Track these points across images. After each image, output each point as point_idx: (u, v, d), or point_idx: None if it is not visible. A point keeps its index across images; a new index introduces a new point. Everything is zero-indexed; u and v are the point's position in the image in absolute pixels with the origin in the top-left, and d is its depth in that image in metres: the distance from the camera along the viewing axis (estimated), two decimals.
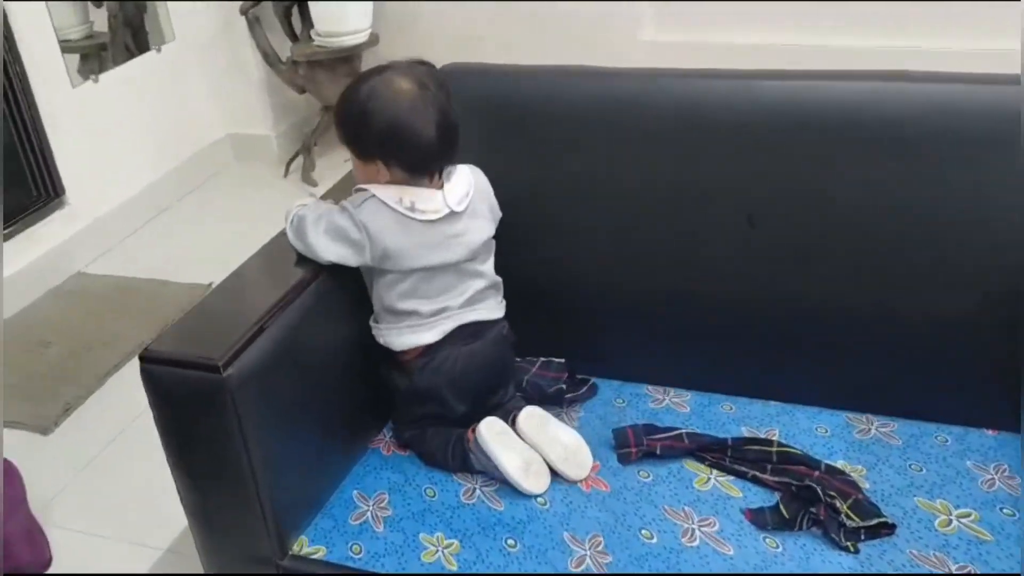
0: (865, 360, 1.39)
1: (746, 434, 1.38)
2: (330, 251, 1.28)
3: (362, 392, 1.39)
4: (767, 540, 1.18)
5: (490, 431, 1.27)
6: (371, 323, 1.36)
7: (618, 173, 1.44)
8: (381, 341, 1.34)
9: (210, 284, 2.46)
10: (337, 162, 3.17)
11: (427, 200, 1.28)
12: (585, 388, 1.48)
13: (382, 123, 1.26)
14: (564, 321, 1.52)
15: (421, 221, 1.27)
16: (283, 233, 1.38)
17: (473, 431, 1.28)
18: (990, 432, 1.36)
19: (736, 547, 1.17)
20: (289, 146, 3.26)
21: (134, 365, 1.18)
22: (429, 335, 1.32)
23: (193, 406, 1.12)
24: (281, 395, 1.17)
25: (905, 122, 1.29)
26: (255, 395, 1.11)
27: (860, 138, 1.31)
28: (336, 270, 1.30)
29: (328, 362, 1.30)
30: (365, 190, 1.30)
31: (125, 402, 2.10)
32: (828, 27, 2.66)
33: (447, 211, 1.29)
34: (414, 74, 1.28)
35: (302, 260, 1.32)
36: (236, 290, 1.30)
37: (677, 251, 1.44)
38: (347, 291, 1.34)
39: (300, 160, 3.13)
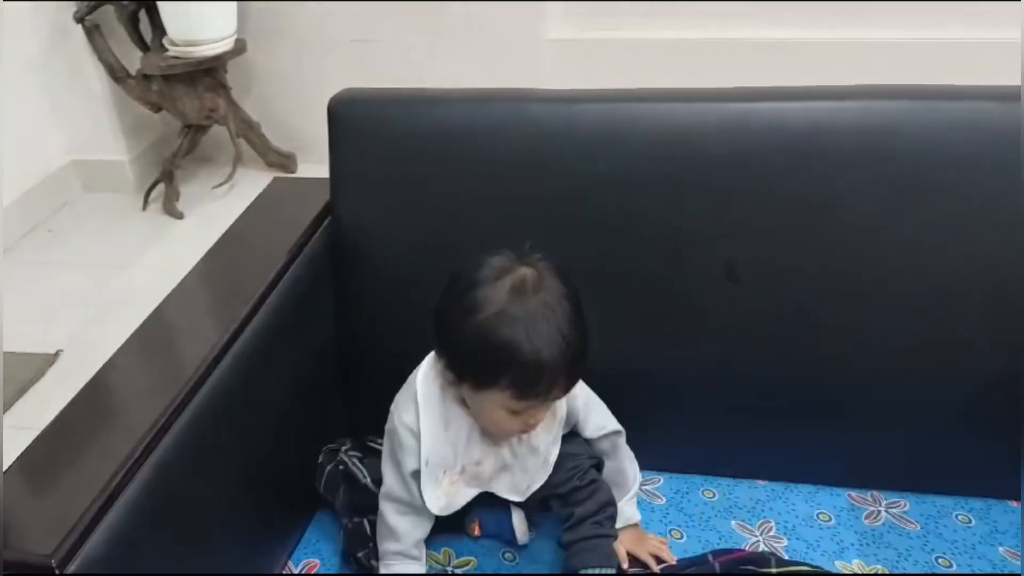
0: (867, 429, 1.16)
1: (736, 529, 1.14)
2: None
3: (259, 525, 1.07)
4: None
5: None
6: None
7: (550, 217, 1.16)
8: None
9: (58, 353, 2.06)
10: (203, 190, 2.78)
11: None
12: None
13: None
14: None
15: None
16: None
17: None
18: (1014, 504, 1.16)
19: None
20: (147, 173, 2.84)
21: None
22: None
23: None
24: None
25: (917, 151, 1.07)
26: None
27: (864, 171, 1.08)
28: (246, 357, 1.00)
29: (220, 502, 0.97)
30: None
31: None
32: (748, 18, 2.46)
33: None
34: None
35: (193, 345, 0.99)
36: (94, 412, 0.93)
37: (633, 313, 1.18)
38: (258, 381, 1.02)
39: (161, 188, 2.73)
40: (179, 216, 2.66)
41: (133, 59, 2.65)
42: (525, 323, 0.87)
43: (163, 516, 0.84)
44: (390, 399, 1.28)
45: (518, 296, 0.89)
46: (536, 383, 0.88)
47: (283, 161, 2.86)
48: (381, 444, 1.08)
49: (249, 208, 1.31)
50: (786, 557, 1.09)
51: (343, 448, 1.20)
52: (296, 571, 1.11)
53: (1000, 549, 1.10)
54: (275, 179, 1.41)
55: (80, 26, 2.56)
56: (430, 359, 1.02)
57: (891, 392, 1.14)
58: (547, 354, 0.87)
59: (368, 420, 1.30)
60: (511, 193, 1.17)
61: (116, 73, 2.63)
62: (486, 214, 1.18)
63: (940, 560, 1.08)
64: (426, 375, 1.01)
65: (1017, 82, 1.08)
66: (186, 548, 0.90)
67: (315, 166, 2.68)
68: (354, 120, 1.21)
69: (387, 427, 1.04)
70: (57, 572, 0.72)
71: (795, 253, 1.10)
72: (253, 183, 1.37)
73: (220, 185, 2.71)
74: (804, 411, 1.16)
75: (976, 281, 1.09)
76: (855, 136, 1.08)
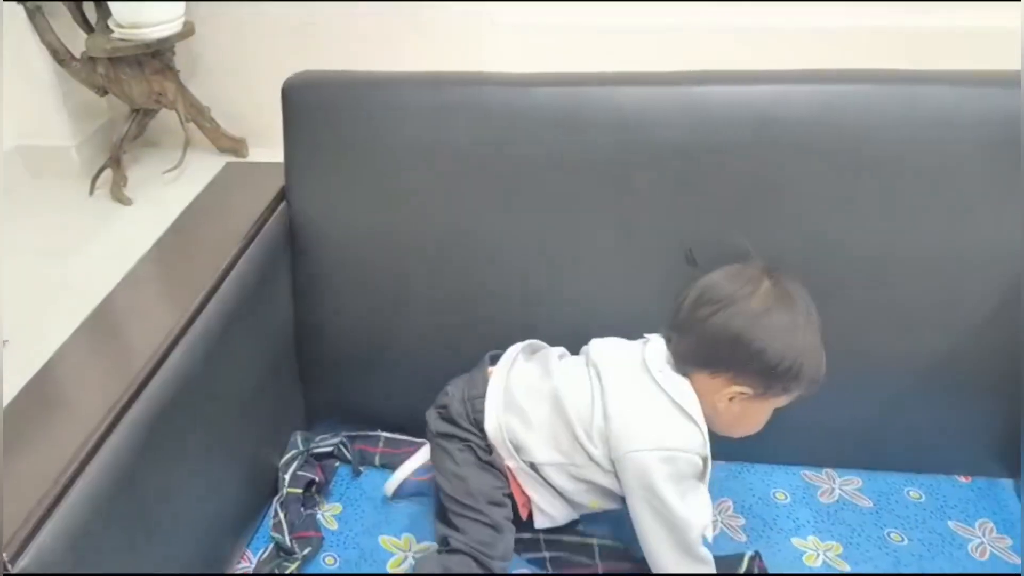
0: (821, 408, 1.17)
1: None
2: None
3: (217, 515, 1.06)
4: None
5: None
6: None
7: (504, 200, 1.16)
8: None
9: (4, 343, 2.01)
10: (152, 175, 2.73)
11: None
12: None
13: None
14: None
15: None
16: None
17: None
18: (962, 479, 1.19)
19: None
20: (94, 158, 2.77)
21: None
22: None
23: None
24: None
25: (880, 132, 1.08)
26: None
27: (821, 153, 1.09)
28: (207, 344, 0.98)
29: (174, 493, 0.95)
30: None
31: None
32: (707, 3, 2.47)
33: None
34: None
35: (144, 334, 0.97)
36: (44, 403, 0.90)
37: (585, 297, 1.18)
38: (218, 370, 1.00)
39: (108, 174, 2.67)
40: (127, 202, 2.61)
41: (78, 41, 2.58)
42: (812, 327, 0.96)
43: (118, 507, 0.83)
44: (349, 384, 1.28)
45: (795, 304, 0.96)
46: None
47: (234, 146, 2.81)
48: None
49: (202, 193, 1.29)
50: (744, 538, 1.11)
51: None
52: (255, 559, 1.09)
53: (950, 523, 1.12)
54: (228, 164, 1.38)
55: (22, 6, 2.48)
56: (684, 387, 0.97)
57: (843, 371, 1.15)
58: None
59: (327, 406, 1.30)
60: (465, 176, 1.16)
61: (60, 56, 2.56)
62: (441, 197, 1.17)
63: (892, 535, 1.11)
64: (687, 400, 0.96)
65: (984, 67, 1.10)
66: (142, 538, 0.88)
67: (267, 151, 2.64)
68: (308, 103, 1.19)
69: (678, 470, 0.94)
70: (9, 566, 0.70)
71: (747, 235, 1.11)
72: (203, 168, 1.35)
73: (170, 170, 2.66)
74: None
75: (927, 260, 1.11)
76: (808, 120, 1.09)
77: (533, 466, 1.01)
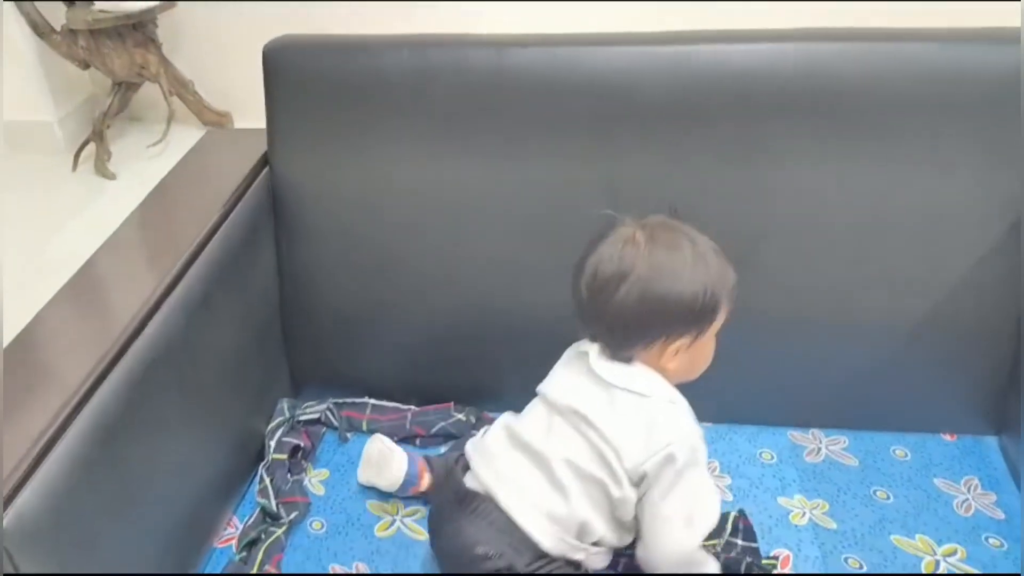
0: (808, 369, 1.18)
1: None
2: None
3: (203, 480, 1.05)
4: None
5: None
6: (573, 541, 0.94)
7: (488, 162, 1.15)
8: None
9: None
10: (136, 150, 2.70)
11: None
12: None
13: None
14: (445, 356, 1.24)
15: None
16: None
17: None
18: (947, 437, 1.20)
19: None
20: (77, 133, 2.74)
21: None
22: None
23: None
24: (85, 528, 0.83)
25: (866, 90, 1.07)
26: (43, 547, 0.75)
27: (806, 112, 1.08)
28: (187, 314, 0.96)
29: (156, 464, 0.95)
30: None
31: None
32: None
33: None
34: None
35: (126, 297, 0.96)
36: (23, 367, 0.87)
37: (572, 257, 1.17)
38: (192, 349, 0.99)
39: (92, 149, 2.64)
40: (111, 177, 2.58)
41: (58, 14, 2.54)
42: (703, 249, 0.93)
43: (100, 469, 0.82)
44: (334, 351, 1.27)
45: (677, 241, 0.93)
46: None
47: (218, 120, 2.78)
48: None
49: (183, 159, 1.28)
50: (730, 497, 1.11)
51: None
52: (241, 525, 1.09)
53: (935, 480, 1.13)
54: (209, 131, 1.37)
55: None
56: (641, 376, 0.94)
57: (828, 331, 1.16)
58: None
59: (311, 372, 1.30)
60: (449, 139, 1.15)
61: (40, 28, 2.53)
62: (424, 160, 1.16)
63: (878, 492, 1.11)
64: (653, 385, 0.94)
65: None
66: (125, 501, 0.87)
67: (252, 124, 2.61)
68: (290, 66, 1.18)
69: (686, 458, 0.91)
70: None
71: (734, 195, 1.11)
72: (188, 143, 1.33)
73: (154, 145, 2.63)
74: (746, 352, 1.17)
75: (913, 219, 1.10)
76: (793, 79, 1.09)
77: (596, 543, 0.95)
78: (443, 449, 1.22)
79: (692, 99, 1.10)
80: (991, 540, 1.04)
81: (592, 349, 0.97)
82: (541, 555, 0.92)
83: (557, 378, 1.01)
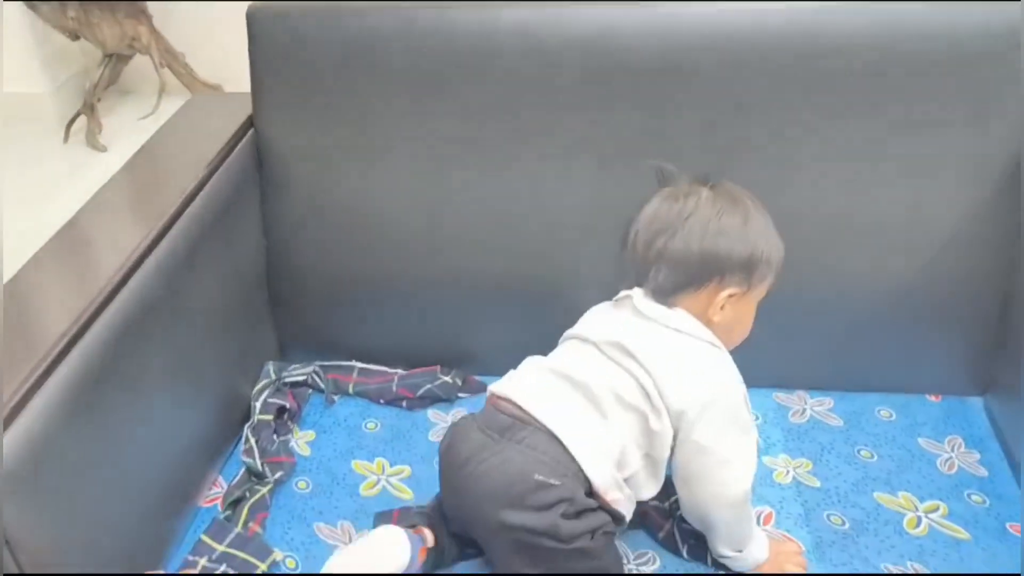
0: (792, 330, 1.18)
1: None
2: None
3: (188, 440, 1.06)
4: None
5: None
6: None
7: (475, 124, 1.15)
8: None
9: None
10: (127, 122, 2.69)
11: None
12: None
13: None
14: (432, 318, 1.25)
15: None
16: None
17: None
18: (932, 398, 1.20)
19: None
20: (68, 105, 2.73)
21: None
22: None
23: None
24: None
25: (852, 48, 1.07)
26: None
27: (793, 71, 1.08)
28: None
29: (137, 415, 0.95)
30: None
31: None
32: None
33: None
34: None
35: (108, 253, 0.96)
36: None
37: (559, 223, 1.17)
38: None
39: (83, 121, 2.63)
40: (102, 149, 2.58)
41: None
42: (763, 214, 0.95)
43: (80, 420, 0.82)
44: (320, 314, 1.28)
45: (740, 199, 0.94)
46: None
47: (210, 92, 2.77)
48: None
49: (169, 122, 1.27)
50: None
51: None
52: (226, 485, 1.09)
53: (919, 440, 1.13)
54: (195, 96, 1.36)
55: None
56: (686, 318, 0.93)
57: (815, 292, 1.16)
58: None
59: (298, 336, 1.30)
60: (435, 100, 1.15)
61: None
62: (410, 122, 1.16)
63: (862, 452, 1.12)
64: (697, 328, 0.93)
65: None
66: (105, 454, 0.87)
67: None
68: (274, 28, 1.17)
69: (726, 402, 0.91)
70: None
71: (719, 154, 1.11)
72: None
73: (145, 117, 2.62)
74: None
75: (899, 179, 1.10)
76: (779, 37, 1.08)
77: (627, 480, 0.92)
78: (430, 411, 1.22)
79: (679, 58, 1.10)
80: (973, 497, 1.05)
81: (635, 292, 0.95)
82: (590, 492, 0.89)
83: (595, 320, 0.99)
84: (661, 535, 1.00)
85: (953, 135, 1.08)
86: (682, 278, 0.93)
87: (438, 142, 1.17)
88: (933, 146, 1.09)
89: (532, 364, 0.98)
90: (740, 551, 0.94)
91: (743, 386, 0.93)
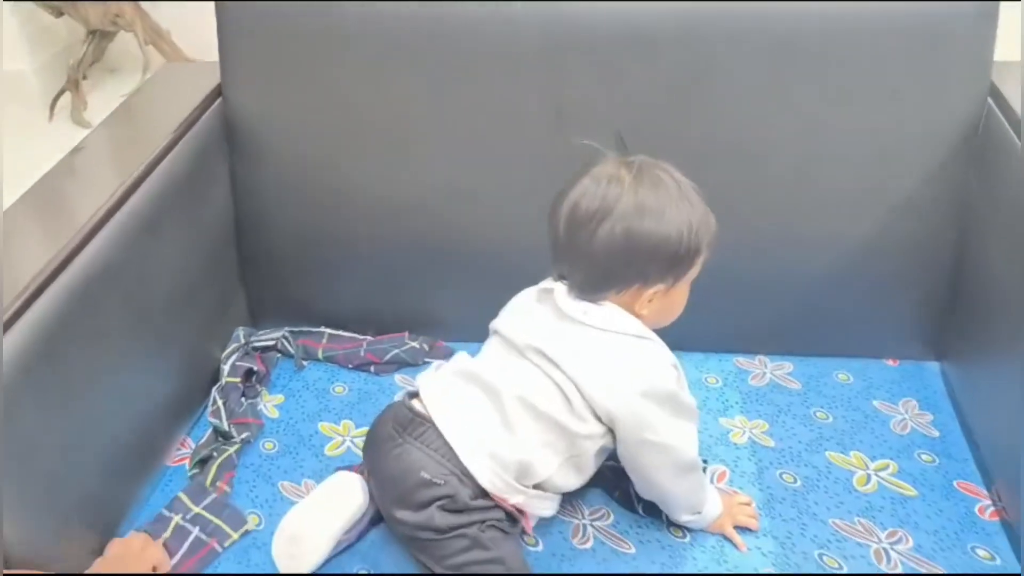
0: (751, 295, 1.20)
1: None
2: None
3: (153, 401, 1.08)
4: (672, 530, 0.99)
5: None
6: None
7: (437, 92, 1.16)
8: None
9: None
10: (112, 99, 2.69)
11: None
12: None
13: None
14: (399, 284, 1.27)
15: None
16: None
17: None
18: (890, 363, 1.22)
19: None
20: (52, 82, 2.74)
21: None
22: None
23: None
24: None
25: (809, 18, 1.08)
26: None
27: (752, 39, 1.09)
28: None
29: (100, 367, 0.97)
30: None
31: None
32: None
33: None
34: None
35: (71, 215, 0.98)
36: None
37: (520, 187, 1.18)
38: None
39: (68, 99, 2.64)
40: (87, 126, 2.58)
41: None
42: (688, 193, 0.90)
43: (40, 375, 0.84)
44: (291, 282, 1.29)
45: (662, 182, 0.90)
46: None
47: None
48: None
49: (139, 90, 1.29)
50: None
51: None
52: (194, 446, 1.12)
53: (874, 402, 1.15)
54: (166, 64, 1.38)
55: None
56: (610, 314, 0.91)
57: (775, 259, 1.18)
58: None
59: (268, 303, 1.32)
60: (400, 65, 1.16)
61: None
62: (375, 87, 1.17)
63: (818, 413, 1.14)
64: (623, 322, 0.91)
65: None
66: (68, 412, 0.89)
67: None
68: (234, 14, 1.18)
69: (661, 393, 0.90)
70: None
71: (679, 121, 1.12)
72: None
73: (130, 94, 2.63)
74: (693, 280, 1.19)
75: (855, 146, 1.12)
76: (739, 6, 1.09)
77: (538, 486, 0.93)
78: (397, 376, 1.24)
79: (639, 25, 1.11)
80: (923, 456, 1.07)
81: (558, 288, 0.93)
82: (484, 492, 0.89)
83: (515, 317, 0.97)
84: (616, 494, 1.03)
85: (909, 102, 1.10)
86: (604, 278, 0.90)
87: (402, 109, 1.18)
88: (889, 115, 1.10)
89: (455, 363, 0.98)
90: (699, 512, 0.96)
91: (677, 369, 0.92)
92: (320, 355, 1.27)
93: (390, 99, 1.17)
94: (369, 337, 1.29)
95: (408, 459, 0.90)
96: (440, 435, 0.90)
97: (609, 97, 1.14)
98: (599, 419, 0.90)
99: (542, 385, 0.90)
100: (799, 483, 1.04)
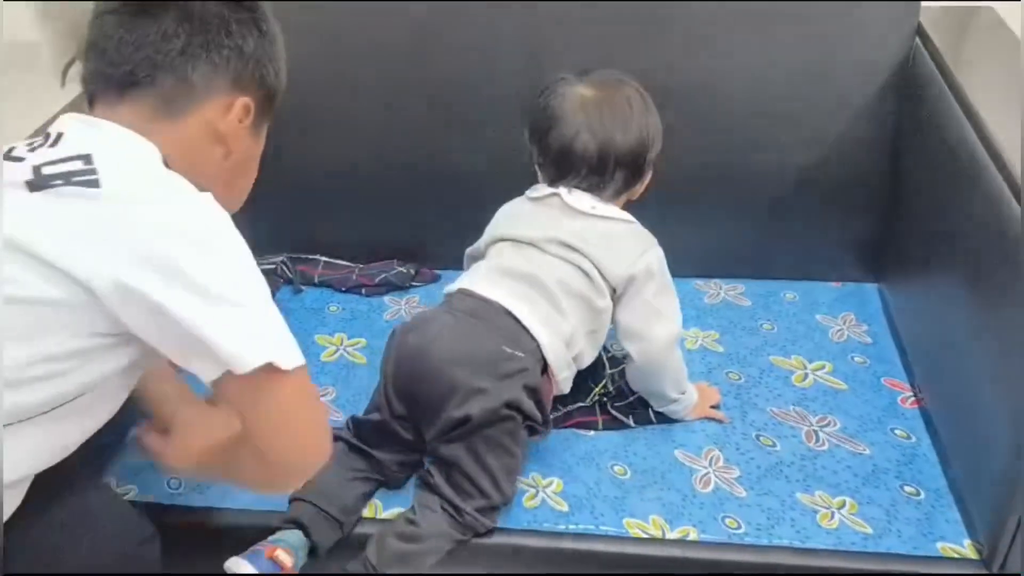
0: (707, 224, 1.32)
1: None
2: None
3: None
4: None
5: None
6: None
7: (413, 42, 1.29)
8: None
9: None
10: None
11: None
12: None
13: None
14: (383, 215, 1.39)
15: None
16: None
17: None
18: (835, 284, 1.34)
19: None
20: (64, 51, 2.84)
21: None
22: None
23: None
24: None
25: None
26: None
27: None
28: None
29: None
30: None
31: None
32: None
33: None
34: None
35: None
36: None
37: (494, 120, 1.29)
38: None
39: (79, 66, 2.74)
40: None
41: None
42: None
43: None
44: (288, 212, 1.41)
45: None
46: None
47: None
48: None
49: None
50: None
51: None
52: None
53: (817, 316, 1.28)
54: None
55: None
56: (609, 208, 1.08)
57: (727, 188, 1.29)
58: None
59: (269, 234, 1.43)
60: (367, 27, 1.28)
61: None
62: (357, 20, 1.29)
63: (764, 325, 1.26)
64: (621, 212, 1.10)
65: None
66: None
67: None
68: None
69: (660, 267, 1.07)
70: None
71: (639, 61, 1.23)
72: None
73: None
74: (654, 210, 1.31)
75: (803, 76, 1.24)
76: None
77: (575, 357, 1.06)
78: (386, 297, 1.36)
79: None
80: (856, 359, 1.19)
81: (561, 191, 1.07)
82: (544, 370, 1.02)
83: (521, 221, 1.10)
84: (601, 425, 1.12)
85: (843, 45, 1.22)
86: (610, 181, 1.07)
87: (383, 40, 1.29)
88: (827, 54, 1.22)
89: (480, 268, 1.10)
90: (683, 392, 1.09)
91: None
92: (316, 280, 1.39)
93: (370, 32, 1.29)
94: (361, 265, 1.41)
95: (487, 335, 1.00)
96: (508, 318, 1.01)
97: (574, 33, 1.25)
98: (612, 294, 1.05)
99: (569, 270, 1.04)
100: (743, 380, 1.16)
